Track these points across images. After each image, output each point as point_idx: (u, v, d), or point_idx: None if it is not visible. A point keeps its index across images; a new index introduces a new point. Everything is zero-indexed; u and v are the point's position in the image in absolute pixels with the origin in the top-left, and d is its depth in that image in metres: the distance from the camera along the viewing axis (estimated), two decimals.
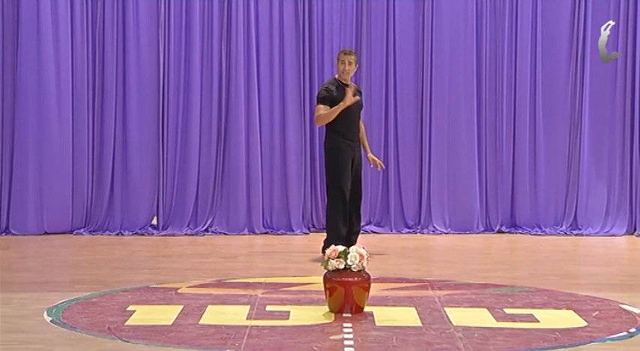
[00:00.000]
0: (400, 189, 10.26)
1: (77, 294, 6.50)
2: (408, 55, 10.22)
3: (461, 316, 5.82)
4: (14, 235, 9.76)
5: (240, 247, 9.35)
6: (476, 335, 5.34)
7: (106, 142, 10.00)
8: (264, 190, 10.12)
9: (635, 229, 10.15)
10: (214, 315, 5.85)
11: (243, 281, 7.14)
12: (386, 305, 6.15)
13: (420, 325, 5.62)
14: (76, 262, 8.45)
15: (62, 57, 9.86)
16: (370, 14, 10.19)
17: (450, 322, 5.68)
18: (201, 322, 5.66)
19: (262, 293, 6.57)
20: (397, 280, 7.19)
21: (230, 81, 10.06)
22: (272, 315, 5.87)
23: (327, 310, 5.90)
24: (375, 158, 8.54)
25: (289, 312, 5.93)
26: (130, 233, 9.95)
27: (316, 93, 8.58)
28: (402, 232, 10.20)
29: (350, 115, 8.19)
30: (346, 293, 5.81)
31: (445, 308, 6.07)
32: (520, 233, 10.20)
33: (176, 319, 5.72)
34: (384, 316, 5.82)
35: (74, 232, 9.94)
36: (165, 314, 5.84)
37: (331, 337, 5.30)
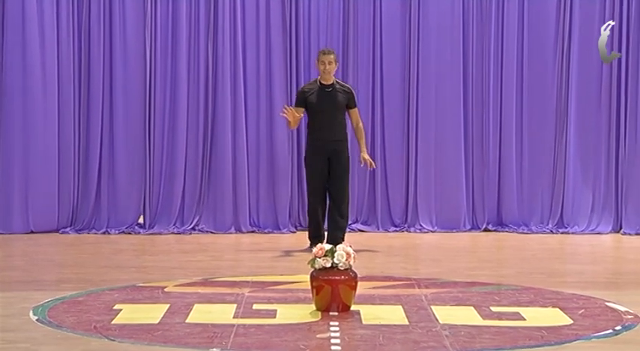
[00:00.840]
0: (387, 187, 10.27)
1: (63, 293, 6.48)
2: (395, 54, 10.23)
3: (447, 315, 5.83)
4: (0, 234, 9.72)
5: (227, 246, 9.35)
6: (462, 333, 5.35)
7: (92, 141, 9.97)
8: (251, 189, 10.11)
9: (620, 227, 10.19)
10: (201, 314, 5.84)
11: (229, 280, 7.13)
12: (373, 304, 6.16)
13: (407, 323, 5.62)
14: (62, 261, 8.43)
15: (48, 55, 9.82)
16: (357, 13, 10.20)
17: (437, 320, 5.69)
18: (187, 320, 5.65)
19: (249, 292, 6.57)
20: (384, 279, 7.20)
21: (217, 79, 10.05)
22: (259, 313, 5.86)
23: (314, 308, 5.90)
24: (367, 158, 8.65)
25: (276, 310, 5.93)
26: (117, 232, 9.93)
27: None
28: (389, 230, 10.21)
29: (324, 115, 8.42)
30: (333, 292, 5.82)
31: (432, 306, 6.08)
32: (506, 231, 10.22)
33: (163, 317, 5.71)
34: (371, 314, 5.82)
35: (60, 231, 9.91)
36: (152, 313, 5.83)
37: (318, 336, 5.30)
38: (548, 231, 10.19)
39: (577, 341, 5.23)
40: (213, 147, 10.07)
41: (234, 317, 5.76)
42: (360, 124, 8.74)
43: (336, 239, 8.22)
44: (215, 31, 10.04)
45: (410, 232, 10.17)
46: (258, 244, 9.42)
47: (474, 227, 10.28)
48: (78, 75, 9.95)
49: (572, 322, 5.69)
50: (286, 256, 8.60)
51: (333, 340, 5.17)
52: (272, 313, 5.85)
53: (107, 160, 9.99)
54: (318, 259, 5.84)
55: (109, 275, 7.44)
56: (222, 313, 5.85)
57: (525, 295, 6.57)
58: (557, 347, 5.10)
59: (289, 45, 10.09)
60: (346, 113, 8.65)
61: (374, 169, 9.99)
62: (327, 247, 5.89)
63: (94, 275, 7.45)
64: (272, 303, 6.17)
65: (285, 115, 8.49)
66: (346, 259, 5.83)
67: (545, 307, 6.15)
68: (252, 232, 10.09)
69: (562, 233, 10.13)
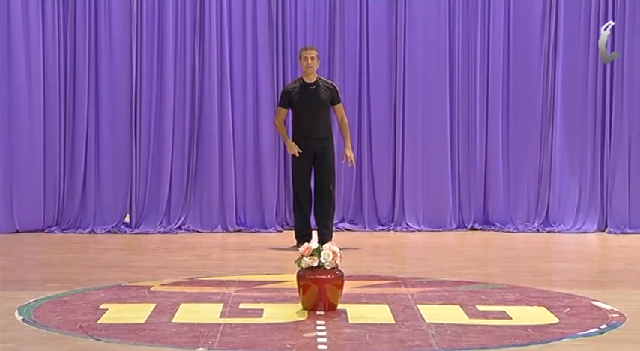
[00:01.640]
0: (374, 186, 10.28)
1: (49, 292, 6.46)
2: (381, 52, 10.24)
3: (434, 313, 5.84)
4: None
5: (214, 245, 9.34)
6: (448, 332, 5.35)
7: (77, 140, 9.94)
8: (238, 188, 10.10)
9: (606, 226, 10.22)
10: (187, 313, 5.83)
11: (216, 279, 7.13)
12: (359, 302, 6.16)
13: (393, 322, 5.63)
14: (48, 261, 8.40)
15: (33, 53, 9.79)
16: (343, 11, 10.20)
17: (423, 319, 5.70)
18: (174, 320, 5.64)
19: (235, 291, 6.56)
20: (370, 278, 7.21)
21: (203, 78, 10.03)
22: (245, 313, 5.86)
23: (301, 307, 5.90)
24: (350, 155, 8.66)
25: (262, 310, 5.92)
26: (103, 231, 9.90)
27: None
28: (376, 229, 10.22)
29: (308, 113, 8.43)
30: (319, 291, 5.81)
31: (418, 305, 6.09)
32: (493, 230, 10.24)
33: (149, 317, 5.70)
34: (358, 313, 5.83)
35: (46, 231, 9.88)
36: (138, 312, 5.82)
37: (304, 335, 5.30)
38: (534, 230, 10.21)
39: (563, 340, 5.24)
40: (199, 146, 10.06)
41: (220, 316, 5.75)
42: (345, 120, 8.76)
43: (323, 238, 8.25)
44: (202, 29, 10.02)
45: (396, 231, 10.18)
46: (244, 243, 9.41)
47: (461, 226, 10.30)
48: (63, 73, 9.92)
49: (557, 320, 5.71)
50: (273, 255, 8.60)
51: (319, 339, 5.17)
52: (258, 313, 5.85)
53: (93, 160, 9.96)
54: (304, 258, 5.84)
55: (95, 275, 7.42)
56: (208, 313, 5.84)
57: (511, 293, 6.59)
58: (543, 346, 5.11)
59: (276, 43, 10.08)
60: (331, 110, 8.67)
61: (360, 168, 10.01)
62: (314, 246, 5.89)
63: (79, 275, 7.42)
64: (258, 302, 6.17)
65: (290, 151, 8.59)
66: (333, 258, 5.83)
67: (531, 305, 6.17)
68: (239, 231, 10.08)
69: (548, 232, 10.16)
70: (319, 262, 5.82)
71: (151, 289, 6.67)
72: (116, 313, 5.84)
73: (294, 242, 8.63)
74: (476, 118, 10.27)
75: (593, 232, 10.14)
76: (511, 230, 10.21)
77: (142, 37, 9.96)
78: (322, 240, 8.14)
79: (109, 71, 9.96)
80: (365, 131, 10.23)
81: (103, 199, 9.97)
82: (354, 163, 8.95)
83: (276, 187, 10.09)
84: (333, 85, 8.70)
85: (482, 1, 10.26)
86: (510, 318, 5.76)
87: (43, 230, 9.88)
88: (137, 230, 9.94)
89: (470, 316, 5.81)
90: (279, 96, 8.80)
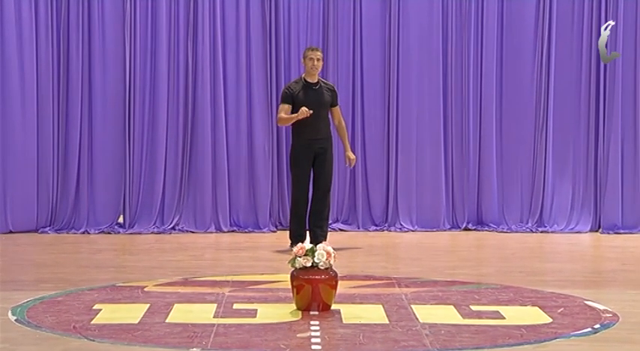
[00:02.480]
0: (367, 187, 10.28)
1: (42, 293, 6.45)
2: (375, 53, 10.24)
3: (427, 313, 5.85)
4: None
5: (207, 245, 9.33)
6: (442, 332, 5.36)
7: (71, 140, 9.93)
8: (231, 188, 10.10)
9: (599, 226, 10.24)
10: (181, 313, 5.83)
11: (210, 279, 7.12)
12: (353, 303, 6.16)
13: (387, 322, 5.63)
14: (42, 261, 8.38)
15: (26, 54, 9.77)
16: (337, 12, 10.20)
17: (417, 319, 5.71)
18: (167, 320, 5.64)
19: (229, 291, 6.56)
20: (364, 278, 7.21)
21: (197, 79, 10.03)
22: (239, 313, 5.86)
23: (295, 307, 5.90)
24: (352, 157, 8.69)
25: (256, 310, 5.92)
26: (96, 231, 9.89)
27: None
28: (370, 229, 10.22)
29: (311, 114, 8.33)
30: (313, 291, 5.82)
31: (412, 305, 6.09)
32: (486, 230, 10.25)
33: (142, 317, 5.69)
34: (351, 313, 5.83)
35: (39, 231, 9.86)
36: (132, 313, 5.81)
37: (298, 335, 5.30)
38: (527, 230, 10.23)
39: (556, 340, 5.25)
40: (193, 146, 10.05)
41: (214, 317, 5.75)
42: (343, 123, 8.77)
43: (317, 239, 8.24)
44: (195, 31, 10.02)
45: (390, 231, 10.19)
46: (238, 243, 9.41)
47: (454, 226, 10.31)
48: (57, 74, 9.91)
49: (551, 320, 5.71)
50: (266, 255, 8.59)
51: (313, 340, 5.17)
52: (252, 313, 5.85)
53: (86, 160, 9.95)
54: (298, 258, 5.84)
55: (89, 275, 7.41)
56: (202, 313, 5.84)
57: (505, 293, 6.60)
58: (537, 346, 5.12)
59: (269, 45, 10.08)
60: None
61: (353, 169, 10.01)
62: (308, 246, 5.89)
63: (73, 275, 7.42)
64: (252, 302, 6.17)
65: (301, 116, 8.26)
66: (326, 259, 5.83)
67: (525, 305, 6.18)
68: (233, 231, 10.08)
69: (541, 232, 10.18)
70: (313, 262, 5.82)
71: (145, 289, 6.67)
72: (110, 313, 5.84)
73: (289, 242, 8.62)
74: (469, 118, 10.28)
75: (586, 233, 10.16)
76: (505, 230, 10.22)
77: (135, 39, 9.95)
78: (316, 241, 8.13)
79: (103, 73, 9.95)
80: (359, 132, 10.23)
81: (97, 199, 9.96)
82: (352, 165, 8.95)
83: (270, 188, 10.09)
84: (334, 88, 8.70)
85: (476, 2, 10.28)
86: (504, 318, 5.77)
87: (36, 230, 9.87)
88: (131, 230, 9.94)
89: (463, 316, 5.81)
90: (282, 94, 8.61)
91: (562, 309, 6.04)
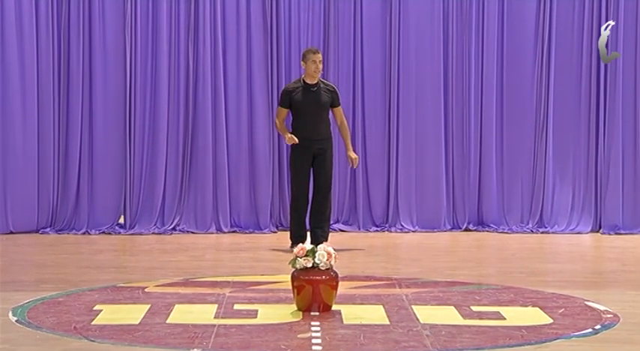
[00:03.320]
0: (368, 187, 10.29)
1: (43, 293, 6.46)
2: (376, 54, 10.24)
3: (428, 314, 5.85)
4: None
5: (208, 246, 9.33)
6: (443, 333, 5.36)
7: (72, 141, 9.93)
8: (232, 189, 10.10)
9: (600, 227, 10.24)
10: (182, 314, 5.83)
11: (210, 280, 7.12)
12: (354, 303, 6.17)
13: (388, 323, 5.63)
14: (42, 262, 8.39)
15: (27, 55, 9.77)
16: (338, 14, 10.21)
17: (418, 319, 5.71)
18: (168, 321, 5.64)
19: (230, 292, 6.56)
20: (365, 279, 7.21)
21: (197, 80, 10.03)
22: (240, 314, 5.86)
23: (295, 308, 5.90)
24: (355, 157, 8.69)
25: (257, 311, 5.92)
26: (97, 232, 9.89)
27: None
28: (370, 230, 10.22)
29: (309, 114, 8.42)
30: (314, 291, 5.82)
31: (412, 306, 6.09)
32: (487, 231, 10.25)
33: (143, 318, 5.69)
34: (352, 314, 5.83)
35: (40, 231, 9.86)
36: (133, 313, 5.82)
37: (299, 336, 5.31)
38: (528, 231, 10.23)
39: (557, 340, 5.25)
40: (193, 147, 10.05)
41: (215, 317, 5.75)
42: (345, 123, 8.78)
43: (317, 239, 8.24)
44: (196, 31, 10.02)
45: (391, 231, 10.19)
46: (238, 244, 9.41)
47: (455, 227, 10.31)
48: (57, 75, 9.91)
49: (552, 321, 5.72)
50: (267, 255, 8.60)
51: (314, 340, 5.17)
52: (253, 314, 5.85)
53: (87, 160, 9.96)
54: (299, 259, 5.84)
55: (89, 276, 7.41)
56: (203, 314, 5.84)
57: (505, 294, 6.60)
58: (537, 346, 5.12)
59: (270, 45, 10.09)
60: (330, 112, 8.67)
61: (354, 169, 10.01)
62: (308, 246, 5.89)
63: (74, 276, 7.42)
64: (253, 303, 6.17)
65: (289, 141, 8.48)
66: (327, 259, 5.83)
67: (526, 306, 6.18)
68: (233, 232, 10.08)
69: (542, 233, 10.18)
70: (314, 262, 5.82)
71: (146, 290, 6.67)
72: (110, 314, 5.84)
73: (289, 243, 8.63)
74: (470, 118, 10.28)
75: (587, 233, 10.16)
76: (505, 231, 10.22)
77: (136, 40, 9.95)
78: (316, 242, 8.13)
79: (103, 73, 9.95)
80: (359, 132, 10.23)
81: (98, 199, 9.96)
82: (354, 165, 8.95)
83: (271, 188, 10.09)
84: (334, 88, 8.71)
85: (477, 3, 10.28)
86: (504, 319, 5.77)
87: (37, 231, 9.87)
88: (131, 231, 9.94)
89: (464, 316, 5.82)
90: (280, 96, 8.72)
91: (563, 309, 6.04)
